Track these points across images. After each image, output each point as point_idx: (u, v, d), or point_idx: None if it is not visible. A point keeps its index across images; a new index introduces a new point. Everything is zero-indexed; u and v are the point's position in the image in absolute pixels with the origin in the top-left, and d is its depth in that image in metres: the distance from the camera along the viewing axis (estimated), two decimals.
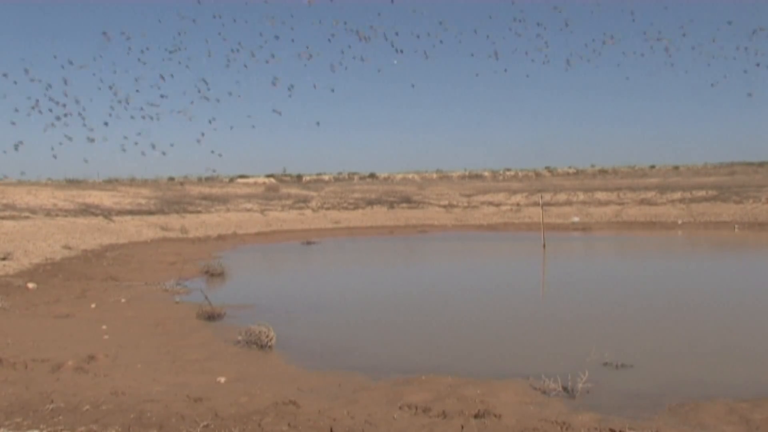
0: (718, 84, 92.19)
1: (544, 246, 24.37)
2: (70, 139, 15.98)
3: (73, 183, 43.57)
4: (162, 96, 17.71)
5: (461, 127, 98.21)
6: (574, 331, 10.67)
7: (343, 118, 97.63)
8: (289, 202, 43.46)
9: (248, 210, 39.15)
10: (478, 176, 56.99)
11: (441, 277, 19.40)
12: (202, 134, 27.30)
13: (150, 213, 35.72)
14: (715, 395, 6.82)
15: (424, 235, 34.35)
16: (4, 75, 16.08)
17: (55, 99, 15.75)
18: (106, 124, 17.15)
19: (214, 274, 17.71)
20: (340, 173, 59.88)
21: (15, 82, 17.27)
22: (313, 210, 41.69)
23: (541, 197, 32.99)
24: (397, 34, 17.26)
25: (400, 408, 6.32)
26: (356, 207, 43.86)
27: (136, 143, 17.11)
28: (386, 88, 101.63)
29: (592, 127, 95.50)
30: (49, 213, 30.76)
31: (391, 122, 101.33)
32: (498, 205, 44.71)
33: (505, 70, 48.20)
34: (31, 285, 14.75)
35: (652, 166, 57.08)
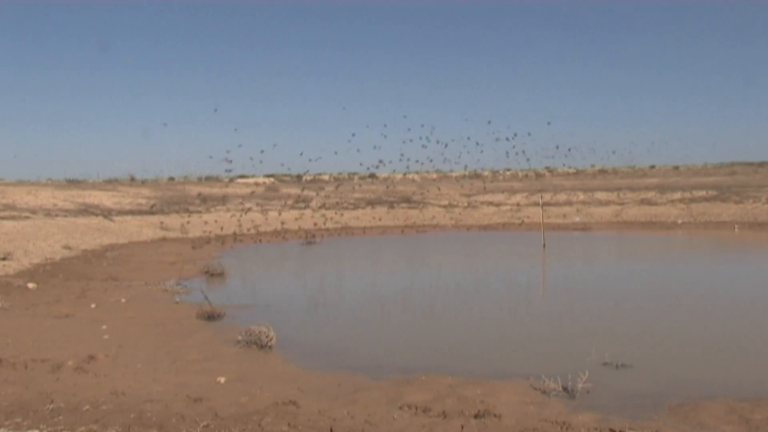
0: (718, 83, 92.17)
1: (544, 246, 24.36)
2: None
3: (73, 183, 43.52)
4: None
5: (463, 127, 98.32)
6: (574, 331, 10.67)
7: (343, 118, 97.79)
8: (289, 202, 43.42)
9: (248, 210, 39.12)
10: (478, 176, 56.89)
11: (441, 276, 19.39)
12: None
13: (150, 213, 35.72)
14: (715, 395, 6.82)
15: (424, 234, 34.34)
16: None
17: None
18: None
19: (214, 274, 17.71)
20: (340, 173, 59.81)
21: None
22: (313, 210, 41.63)
23: (541, 197, 32.97)
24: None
25: (400, 408, 6.32)
26: (356, 207, 43.81)
27: None
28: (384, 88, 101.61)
29: (592, 127, 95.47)
30: (49, 213, 30.74)
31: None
32: (498, 205, 44.65)
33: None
34: (31, 285, 14.75)
35: (652, 166, 57.02)
